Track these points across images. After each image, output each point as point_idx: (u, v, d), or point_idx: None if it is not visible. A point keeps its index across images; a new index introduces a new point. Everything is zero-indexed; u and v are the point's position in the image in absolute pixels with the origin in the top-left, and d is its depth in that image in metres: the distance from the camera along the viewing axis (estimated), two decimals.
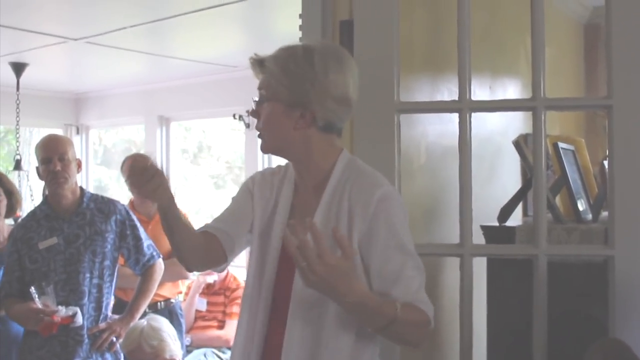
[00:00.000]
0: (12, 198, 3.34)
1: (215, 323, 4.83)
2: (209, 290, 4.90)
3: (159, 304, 3.79)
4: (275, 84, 1.57)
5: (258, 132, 1.63)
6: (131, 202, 3.90)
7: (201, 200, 7.35)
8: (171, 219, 1.57)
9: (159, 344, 2.75)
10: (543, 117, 1.90)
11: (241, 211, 1.71)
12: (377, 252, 1.52)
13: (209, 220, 1.73)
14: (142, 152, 6.19)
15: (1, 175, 3.41)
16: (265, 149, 1.64)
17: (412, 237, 1.58)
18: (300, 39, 2.06)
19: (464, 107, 1.93)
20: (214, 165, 7.56)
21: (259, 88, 1.62)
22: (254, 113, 1.63)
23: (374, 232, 1.53)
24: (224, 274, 4.68)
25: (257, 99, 1.62)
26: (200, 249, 1.65)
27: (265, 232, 1.67)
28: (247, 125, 6.14)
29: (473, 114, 1.95)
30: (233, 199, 1.75)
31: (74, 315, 2.80)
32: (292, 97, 1.57)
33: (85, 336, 2.86)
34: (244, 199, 1.73)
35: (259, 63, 1.62)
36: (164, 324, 2.85)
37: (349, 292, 1.39)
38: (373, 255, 1.53)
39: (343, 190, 1.58)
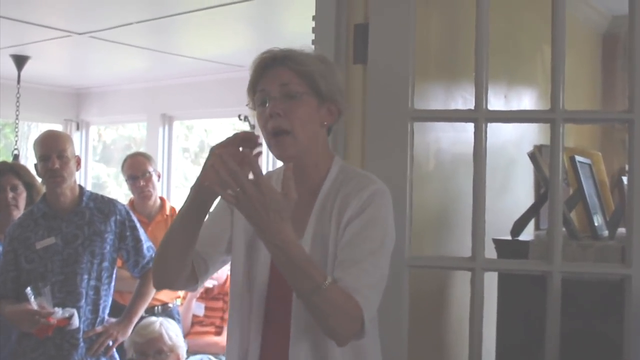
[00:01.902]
0: (33, 190, 3.30)
1: (212, 329, 4.80)
2: (207, 295, 4.87)
3: (156, 308, 3.77)
4: (314, 76, 1.54)
5: (276, 134, 1.53)
6: (131, 202, 3.89)
7: None
8: (197, 220, 1.52)
9: (176, 339, 2.83)
10: (561, 130, 1.89)
11: (217, 231, 1.65)
12: (348, 236, 1.50)
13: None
14: (142, 150, 6.17)
15: (20, 167, 3.38)
16: (295, 151, 1.54)
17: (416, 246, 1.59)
18: (313, 41, 2.05)
19: (480, 117, 1.92)
20: None
21: (285, 83, 1.53)
22: (278, 108, 1.52)
23: (354, 219, 1.51)
24: (223, 278, 4.65)
25: (275, 95, 1.53)
26: (188, 264, 1.60)
27: (253, 242, 1.62)
28: (253, 127, 6.12)
29: (489, 125, 1.93)
30: (210, 214, 1.65)
31: (71, 317, 2.78)
32: (326, 90, 1.55)
33: (81, 340, 2.84)
34: (221, 216, 1.67)
35: (282, 56, 1.55)
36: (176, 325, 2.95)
37: (277, 232, 1.35)
38: (344, 238, 1.50)
39: (338, 190, 1.57)
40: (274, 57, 1.56)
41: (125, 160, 3.97)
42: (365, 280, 1.46)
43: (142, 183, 3.80)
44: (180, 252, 1.55)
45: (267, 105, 1.54)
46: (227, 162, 1.32)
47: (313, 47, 2.02)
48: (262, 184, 1.34)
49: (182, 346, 2.99)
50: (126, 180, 3.89)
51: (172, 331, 2.94)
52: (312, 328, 1.50)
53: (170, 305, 3.90)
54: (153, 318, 2.97)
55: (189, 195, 1.52)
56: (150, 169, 3.86)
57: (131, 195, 4.02)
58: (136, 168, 3.84)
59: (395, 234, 1.60)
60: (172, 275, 1.60)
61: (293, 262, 1.39)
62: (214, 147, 1.46)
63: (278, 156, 1.57)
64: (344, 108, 1.62)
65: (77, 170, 2.96)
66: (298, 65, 1.54)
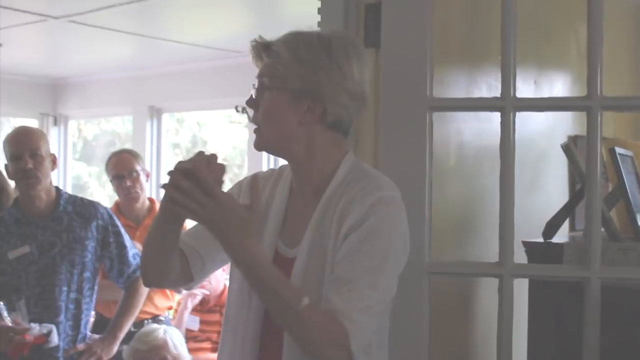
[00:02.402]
0: (3, 194, 3.31)
1: (209, 344, 4.79)
2: (202, 307, 4.87)
3: (145, 322, 3.77)
4: (284, 70, 1.56)
5: (255, 127, 1.62)
6: (116, 205, 3.89)
7: None
8: (173, 230, 1.55)
9: (181, 348, 2.87)
10: (599, 119, 1.88)
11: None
12: (344, 250, 1.50)
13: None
14: (128, 146, 6.19)
15: None
16: (260, 146, 1.63)
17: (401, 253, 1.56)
18: (319, 24, 2.04)
19: (508, 105, 1.90)
20: None
21: (260, 75, 1.61)
22: (252, 103, 1.62)
23: (353, 232, 1.51)
24: (220, 289, 4.65)
25: (256, 87, 1.61)
26: (175, 265, 1.63)
27: None
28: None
29: (517, 113, 1.93)
30: None
31: (49, 334, 2.79)
32: (303, 86, 1.56)
33: (61, 359, 2.85)
34: None
35: (263, 47, 1.60)
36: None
37: (241, 249, 1.42)
38: (340, 252, 1.51)
39: (342, 193, 1.57)
40: (255, 47, 1.62)
41: (109, 159, 3.97)
42: (357, 304, 1.44)
43: (128, 183, 3.80)
44: (162, 255, 1.59)
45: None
46: (178, 183, 1.40)
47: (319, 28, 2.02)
48: (218, 196, 1.40)
49: (187, 356, 3.02)
50: (111, 181, 3.89)
51: (176, 339, 2.98)
52: None
53: (162, 317, 3.90)
54: (155, 325, 2.99)
55: (160, 206, 1.58)
56: (138, 167, 3.87)
57: (116, 197, 4.02)
58: (122, 167, 3.84)
59: (413, 238, 1.60)
60: (159, 273, 1.65)
61: (262, 280, 1.43)
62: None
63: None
64: (336, 107, 1.58)
65: (53, 170, 2.97)
66: (270, 58, 1.59)
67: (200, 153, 1.47)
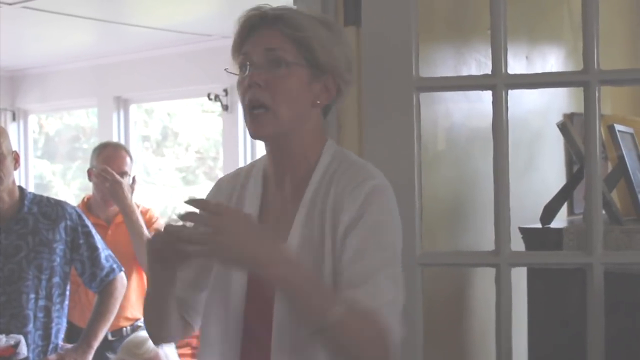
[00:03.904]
0: None
1: (188, 350, 4.80)
2: None
3: (124, 329, 3.73)
4: (311, 43, 1.52)
5: (252, 108, 1.52)
6: (85, 203, 3.84)
7: (167, 199, 7.33)
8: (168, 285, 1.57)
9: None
10: (597, 94, 1.88)
11: (197, 266, 1.66)
12: (351, 249, 1.48)
13: None
14: (92, 141, 6.14)
15: None
16: (272, 131, 1.53)
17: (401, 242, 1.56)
18: (295, 1, 2.04)
19: (499, 83, 1.91)
20: (182, 155, 7.54)
21: (271, 48, 1.52)
22: (259, 78, 1.51)
23: (355, 226, 1.49)
24: None
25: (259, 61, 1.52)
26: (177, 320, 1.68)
27: None
28: (225, 107, 6.11)
29: (509, 92, 1.93)
30: None
31: (17, 345, 2.77)
32: (327, 62, 1.53)
33: None
34: None
35: (274, 15, 1.53)
36: None
37: (274, 256, 1.38)
38: (347, 251, 1.48)
39: (329, 185, 1.55)
40: (263, 15, 1.54)
41: (102, 147, 3.88)
42: (384, 298, 1.44)
43: None
44: (166, 315, 1.63)
45: (248, 72, 1.53)
46: (170, 232, 1.40)
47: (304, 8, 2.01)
48: (228, 210, 1.41)
49: None
50: (92, 168, 3.80)
51: (168, 350, 2.95)
52: (297, 344, 1.50)
53: (140, 324, 3.85)
54: (143, 333, 2.96)
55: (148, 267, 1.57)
56: (130, 171, 3.81)
57: (83, 196, 3.98)
58: (115, 164, 3.77)
59: (403, 228, 1.59)
60: (167, 333, 1.70)
61: (299, 292, 1.40)
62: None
63: (252, 134, 1.56)
64: (347, 85, 1.59)
65: (16, 169, 2.94)
66: (292, 29, 1.52)
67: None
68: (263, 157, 1.68)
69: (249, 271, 1.50)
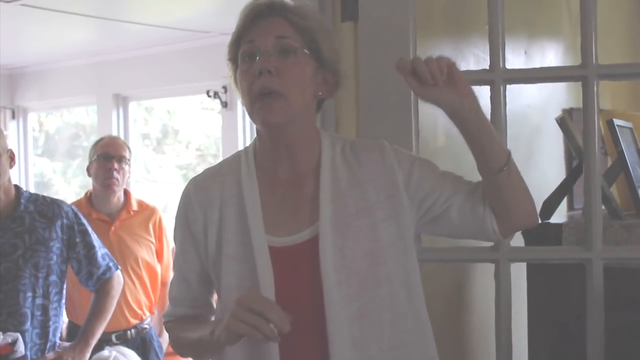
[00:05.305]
0: None
1: None
2: None
3: (129, 332, 3.70)
4: (316, 34, 1.55)
5: (263, 95, 1.50)
6: (87, 197, 3.82)
7: (167, 197, 7.32)
8: None
9: None
10: (595, 89, 1.88)
11: (196, 277, 1.66)
12: (431, 181, 1.60)
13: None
14: (92, 139, 6.13)
15: None
16: (285, 118, 1.51)
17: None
18: None
19: (497, 78, 1.91)
20: (182, 153, 7.54)
21: (282, 36, 1.52)
22: (270, 64, 1.50)
23: (410, 177, 1.59)
24: None
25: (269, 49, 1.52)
26: None
27: (240, 249, 1.57)
28: (225, 105, 6.10)
29: (507, 87, 1.93)
30: (177, 256, 1.68)
31: (14, 343, 2.76)
32: (330, 55, 1.57)
33: None
34: (190, 254, 1.66)
35: (281, 4, 1.55)
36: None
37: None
38: (425, 185, 1.59)
39: (343, 162, 1.59)
40: (271, 4, 1.55)
41: (100, 139, 3.90)
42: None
43: (115, 165, 3.73)
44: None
45: (257, 60, 1.52)
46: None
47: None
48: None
49: None
50: (94, 161, 3.80)
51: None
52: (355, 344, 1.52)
53: (147, 326, 3.81)
54: (105, 353, 2.94)
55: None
56: (128, 156, 3.83)
57: (84, 193, 3.97)
58: (114, 148, 3.79)
59: None
60: None
61: (484, 121, 1.56)
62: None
63: (262, 121, 1.54)
64: (342, 81, 1.61)
65: (11, 167, 2.94)
66: (299, 18, 1.54)
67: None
68: (241, 151, 1.67)
69: None
